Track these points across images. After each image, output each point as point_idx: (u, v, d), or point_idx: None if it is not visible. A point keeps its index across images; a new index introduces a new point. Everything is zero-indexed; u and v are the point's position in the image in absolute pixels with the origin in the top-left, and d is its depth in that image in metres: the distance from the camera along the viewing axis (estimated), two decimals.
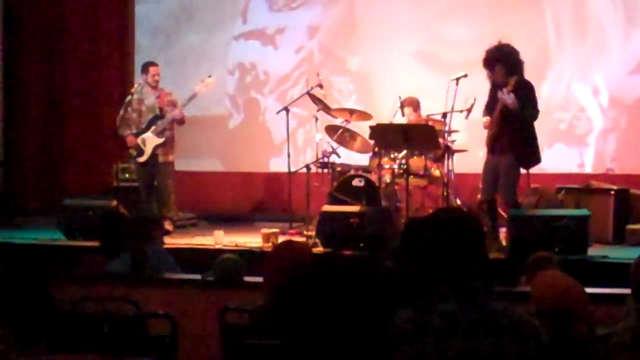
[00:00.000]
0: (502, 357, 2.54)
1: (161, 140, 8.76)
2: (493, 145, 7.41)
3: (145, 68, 8.92)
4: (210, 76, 8.95)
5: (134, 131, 8.77)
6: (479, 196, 7.99)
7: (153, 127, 8.74)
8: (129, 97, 8.84)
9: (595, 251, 7.12)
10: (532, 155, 7.39)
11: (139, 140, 8.73)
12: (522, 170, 7.54)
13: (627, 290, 3.33)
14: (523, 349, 2.55)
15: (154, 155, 8.74)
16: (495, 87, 7.39)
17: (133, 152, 8.78)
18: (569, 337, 3.44)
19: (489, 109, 7.46)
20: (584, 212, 7.24)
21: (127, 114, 8.77)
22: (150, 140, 8.74)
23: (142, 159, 8.75)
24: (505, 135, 7.32)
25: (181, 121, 8.87)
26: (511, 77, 7.22)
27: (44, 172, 11.06)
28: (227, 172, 10.68)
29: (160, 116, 8.77)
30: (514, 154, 7.29)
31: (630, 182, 8.70)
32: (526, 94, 7.25)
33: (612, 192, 8.25)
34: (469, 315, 2.57)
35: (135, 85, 9.17)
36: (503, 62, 7.26)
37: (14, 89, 11.14)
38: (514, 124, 7.27)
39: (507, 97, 7.13)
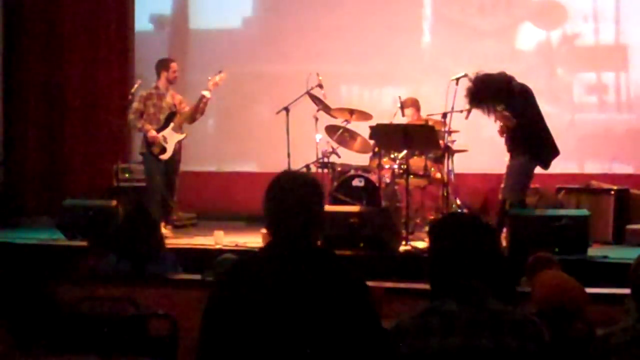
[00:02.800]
0: (502, 355, 2.55)
1: (182, 135, 8.68)
2: (508, 148, 7.49)
3: (166, 64, 8.73)
4: (220, 72, 8.77)
5: (154, 127, 8.61)
6: (500, 196, 8.01)
7: (172, 124, 8.65)
8: (146, 91, 8.72)
9: (595, 251, 7.12)
10: (547, 151, 7.44)
11: (160, 138, 8.61)
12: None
13: (627, 290, 3.33)
14: (524, 348, 2.55)
15: (175, 152, 8.65)
16: None
17: (156, 149, 8.57)
18: (569, 337, 3.44)
19: None
20: (584, 212, 7.25)
21: (146, 108, 8.66)
22: (172, 137, 8.62)
23: (165, 156, 8.57)
24: (515, 142, 7.40)
25: (203, 109, 8.70)
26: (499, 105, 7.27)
27: (44, 172, 11.06)
28: (227, 172, 10.69)
29: (175, 113, 8.68)
30: (529, 154, 7.33)
31: (630, 182, 8.70)
32: (514, 106, 7.26)
33: (612, 192, 8.26)
34: (470, 315, 2.58)
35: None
36: (477, 106, 7.29)
37: (14, 89, 11.14)
38: (518, 131, 7.34)
39: (503, 118, 7.21)
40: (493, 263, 2.69)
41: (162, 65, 8.75)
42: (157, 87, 8.71)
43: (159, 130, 8.59)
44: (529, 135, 7.38)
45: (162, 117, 8.65)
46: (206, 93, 8.60)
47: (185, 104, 8.80)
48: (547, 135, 7.49)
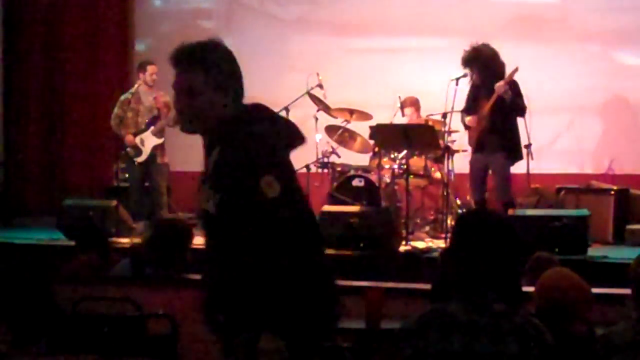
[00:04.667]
0: (503, 356, 2.55)
1: (160, 140, 8.71)
2: (481, 143, 7.57)
3: (142, 67, 8.81)
4: None
5: (132, 130, 8.71)
6: (467, 197, 8.12)
7: (152, 128, 8.70)
8: (125, 95, 8.80)
9: (595, 251, 7.12)
10: (518, 153, 7.65)
11: (137, 140, 8.67)
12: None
13: (627, 290, 3.32)
14: (525, 351, 2.55)
15: (152, 155, 8.69)
16: (475, 88, 7.60)
17: (131, 151, 8.69)
18: (569, 337, 3.44)
19: (469, 110, 7.66)
20: (584, 212, 7.25)
21: (123, 112, 8.73)
22: (149, 140, 8.70)
23: (140, 159, 8.68)
24: (495, 133, 7.50)
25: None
26: (486, 79, 7.37)
27: (44, 172, 11.06)
28: None
29: (158, 117, 8.72)
30: (505, 152, 7.45)
31: (630, 182, 8.70)
32: (515, 90, 7.43)
33: (612, 192, 8.26)
34: (472, 316, 2.58)
35: (136, 85, 9.14)
36: (476, 65, 7.43)
37: (14, 89, 11.13)
38: (504, 121, 7.44)
39: (504, 88, 7.31)
40: (508, 267, 2.68)
41: (140, 67, 8.84)
42: (135, 91, 8.75)
43: (137, 134, 8.64)
44: (510, 132, 7.50)
45: (141, 120, 8.70)
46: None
47: (170, 107, 8.77)
48: (519, 139, 7.67)
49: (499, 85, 7.39)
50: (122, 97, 8.79)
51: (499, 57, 7.54)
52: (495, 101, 7.45)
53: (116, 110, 8.76)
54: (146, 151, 8.67)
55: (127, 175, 9.57)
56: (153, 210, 8.69)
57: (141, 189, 8.78)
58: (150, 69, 8.73)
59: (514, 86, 7.50)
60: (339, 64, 9.92)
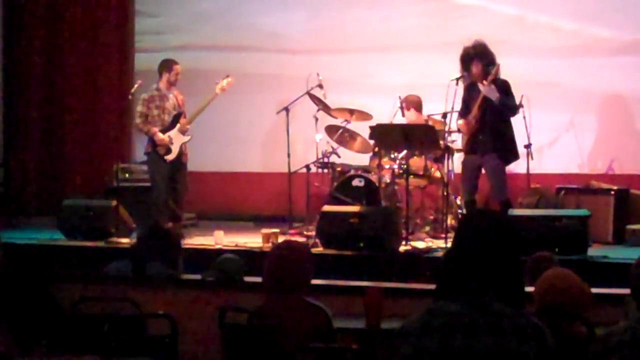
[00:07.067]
0: (502, 356, 2.55)
1: (187, 138, 8.66)
2: (474, 145, 7.58)
3: (169, 66, 8.70)
4: (227, 76, 8.80)
5: (159, 128, 8.59)
6: (458, 198, 8.13)
7: (178, 125, 8.62)
8: (148, 93, 8.67)
9: (595, 251, 7.12)
10: (513, 153, 7.63)
11: (166, 139, 8.57)
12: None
13: (627, 291, 3.33)
14: (525, 351, 2.55)
15: (180, 153, 8.63)
16: (468, 90, 7.62)
17: (162, 150, 8.51)
18: (568, 337, 3.44)
19: (464, 113, 7.67)
20: (584, 212, 7.25)
21: (149, 111, 8.62)
22: (178, 138, 8.60)
23: (170, 157, 8.55)
24: (487, 134, 7.50)
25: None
26: (489, 72, 7.41)
27: (44, 172, 11.06)
28: (227, 172, 10.68)
29: (182, 114, 8.66)
30: (498, 152, 7.47)
31: (630, 182, 8.71)
32: (504, 89, 7.44)
33: (612, 192, 8.26)
34: (472, 316, 2.58)
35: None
36: (481, 58, 7.46)
37: (13, 89, 11.14)
38: (495, 121, 7.46)
39: (489, 89, 7.33)
40: (510, 267, 2.68)
41: (165, 66, 8.71)
42: (158, 89, 8.68)
43: (164, 131, 8.56)
44: (502, 131, 7.51)
45: (167, 117, 8.63)
46: (218, 90, 8.63)
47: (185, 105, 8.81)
48: (514, 138, 7.68)
49: (482, 88, 7.43)
50: (145, 95, 8.63)
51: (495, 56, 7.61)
52: (482, 102, 7.49)
53: (140, 108, 8.61)
54: (175, 150, 8.59)
55: (127, 175, 9.55)
56: (168, 210, 8.59)
57: (168, 189, 8.63)
58: (176, 68, 8.67)
59: (503, 85, 7.51)
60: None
